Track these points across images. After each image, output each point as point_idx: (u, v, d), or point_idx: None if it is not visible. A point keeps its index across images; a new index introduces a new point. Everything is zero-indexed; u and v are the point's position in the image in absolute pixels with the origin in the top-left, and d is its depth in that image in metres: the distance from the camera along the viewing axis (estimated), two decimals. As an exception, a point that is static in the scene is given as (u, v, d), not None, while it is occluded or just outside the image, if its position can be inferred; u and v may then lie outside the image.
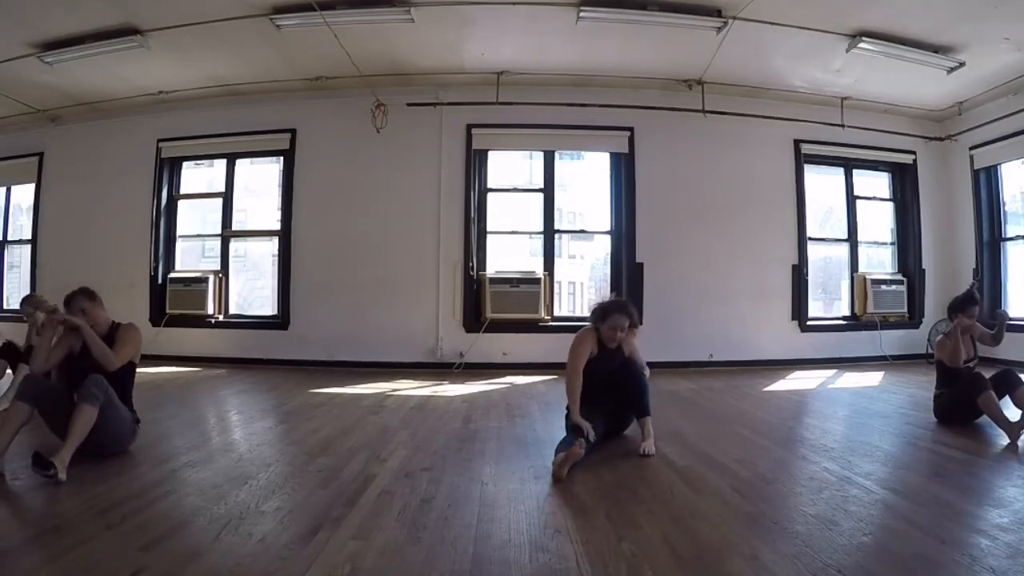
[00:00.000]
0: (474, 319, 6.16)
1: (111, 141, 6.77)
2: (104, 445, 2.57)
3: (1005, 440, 2.98)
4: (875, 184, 7.10)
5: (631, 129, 6.30)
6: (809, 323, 6.52)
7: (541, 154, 6.50)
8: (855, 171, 6.94)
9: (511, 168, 6.86)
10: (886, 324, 6.68)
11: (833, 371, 5.92)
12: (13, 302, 7.51)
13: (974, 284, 3.98)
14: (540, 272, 6.22)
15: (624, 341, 3.07)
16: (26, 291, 7.14)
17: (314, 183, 6.36)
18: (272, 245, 6.73)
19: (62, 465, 2.25)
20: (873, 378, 5.40)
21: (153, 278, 6.58)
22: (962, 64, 5.35)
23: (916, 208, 6.88)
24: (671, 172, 6.35)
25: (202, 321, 6.42)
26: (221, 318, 6.52)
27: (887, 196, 7.12)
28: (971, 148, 6.56)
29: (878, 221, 7.12)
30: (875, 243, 7.12)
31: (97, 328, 2.72)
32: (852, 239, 6.90)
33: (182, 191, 6.92)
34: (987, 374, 3.27)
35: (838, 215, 7.03)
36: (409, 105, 6.17)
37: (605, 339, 3.04)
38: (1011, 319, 3.67)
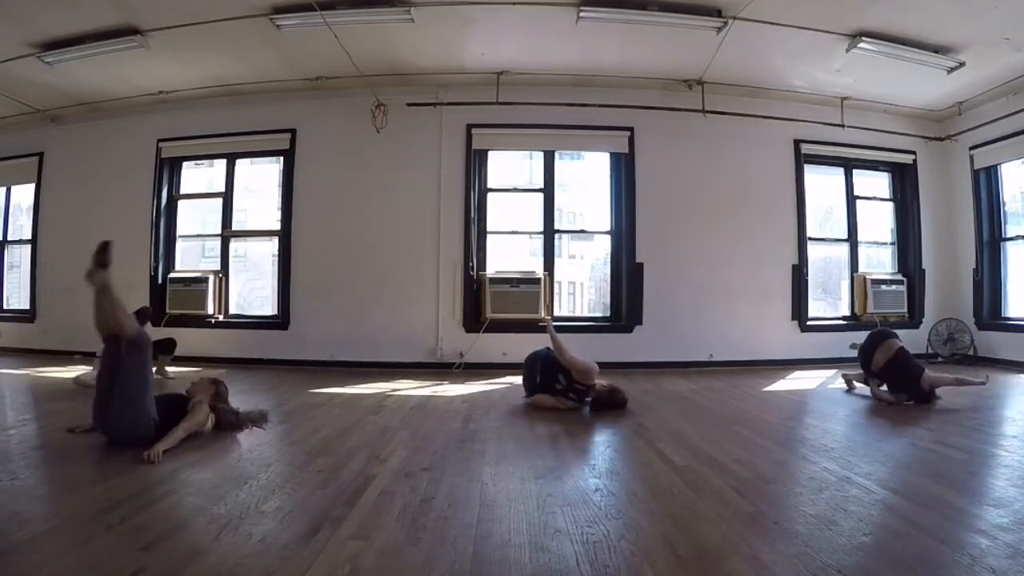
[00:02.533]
0: (474, 319, 6.16)
1: (111, 141, 6.78)
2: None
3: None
4: (875, 184, 7.10)
5: (631, 129, 6.31)
6: (809, 323, 6.52)
7: (541, 154, 6.50)
8: (855, 171, 6.94)
9: (511, 168, 6.86)
10: (886, 324, 6.66)
11: (833, 371, 5.91)
12: (13, 302, 7.52)
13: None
14: (540, 272, 6.22)
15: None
16: (26, 291, 7.16)
17: (314, 183, 6.36)
18: (272, 245, 6.73)
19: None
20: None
21: (153, 278, 6.59)
22: (962, 64, 5.35)
23: (916, 208, 6.88)
24: (671, 172, 6.35)
25: (202, 321, 6.41)
26: (221, 318, 6.52)
27: (887, 196, 7.12)
28: (971, 148, 6.56)
29: (878, 221, 7.13)
30: (875, 243, 7.13)
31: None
32: (852, 239, 6.90)
33: (182, 191, 6.92)
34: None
35: (838, 215, 7.03)
36: (409, 105, 6.17)
37: None
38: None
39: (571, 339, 5.95)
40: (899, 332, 6.67)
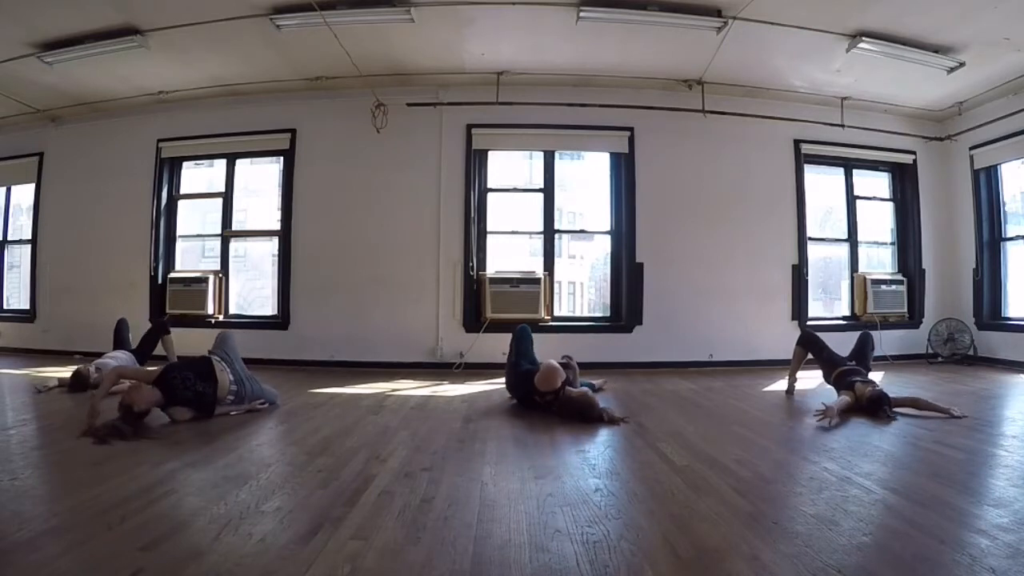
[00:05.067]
0: (474, 319, 6.16)
1: (111, 141, 6.78)
2: None
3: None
4: (875, 184, 7.10)
5: (631, 129, 6.30)
6: (809, 323, 6.51)
7: (541, 154, 6.50)
8: (855, 171, 6.94)
9: (511, 168, 6.85)
10: (886, 324, 6.68)
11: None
12: (13, 302, 7.52)
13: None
14: (540, 272, 6.22)
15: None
16: (26, 291, 7.16)
17: (314, 183, 6.36)
18: (272, 245, 6.73)
19: None
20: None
21: (153, 278, 6.59)
22: (962, 64, 5.35)
23: (916, 208, 6.88)
24: (671, 172, 6.35)
25: (202, 321, 6.41)
26: (221, 318, 6.52)
27: (887, 196, 7.12)
28: (971, 148, 6.56)
29: (878, 221, 7.12)
30: (875, 243, 7.12)
31: None
32: (852, 239, 6.90)
33: (182, 191, 6.92)
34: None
35: (838, 215, 7.03)
36: (409, 105, 6.16)
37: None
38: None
39: (571, 339, 6.00)
40: (899, 332, 6.77)
